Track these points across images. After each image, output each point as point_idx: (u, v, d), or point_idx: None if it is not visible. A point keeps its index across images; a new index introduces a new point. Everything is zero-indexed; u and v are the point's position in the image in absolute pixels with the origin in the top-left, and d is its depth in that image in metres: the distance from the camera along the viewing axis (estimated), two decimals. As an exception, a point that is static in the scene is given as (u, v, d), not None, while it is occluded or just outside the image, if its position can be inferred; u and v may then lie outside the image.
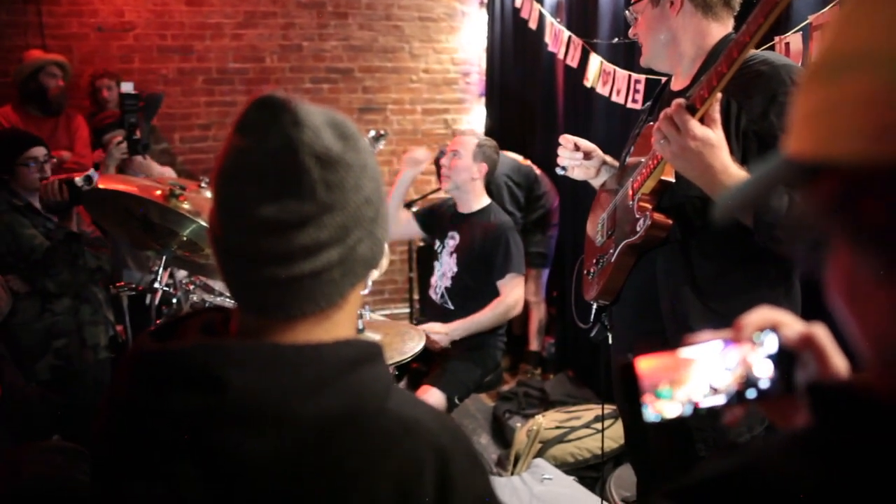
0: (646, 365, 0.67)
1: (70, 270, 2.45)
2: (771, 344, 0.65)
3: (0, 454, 1.36)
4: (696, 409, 0.66)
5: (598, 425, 2.81)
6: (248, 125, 0.70)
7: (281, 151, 0.68)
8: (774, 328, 0.66)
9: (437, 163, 3.78)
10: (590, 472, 2.74)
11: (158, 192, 2.23)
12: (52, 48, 4.11)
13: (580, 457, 2.81)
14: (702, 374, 0.66)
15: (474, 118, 5.02)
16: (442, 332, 2.61)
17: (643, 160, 1.49)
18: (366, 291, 0.90)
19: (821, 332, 0.64)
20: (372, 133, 3.59)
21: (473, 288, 2.73)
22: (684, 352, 0.67)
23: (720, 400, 0.66)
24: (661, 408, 0.66)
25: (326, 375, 0.69)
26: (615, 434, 2.78)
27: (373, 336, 2.35)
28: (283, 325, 0.72)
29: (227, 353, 0.68)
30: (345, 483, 0.68)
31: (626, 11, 1.63)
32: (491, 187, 3.23)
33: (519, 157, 3.78)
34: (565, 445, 2.84)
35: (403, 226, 2.95)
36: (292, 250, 0.68)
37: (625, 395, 0.67)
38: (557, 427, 2.92)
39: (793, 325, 0.66)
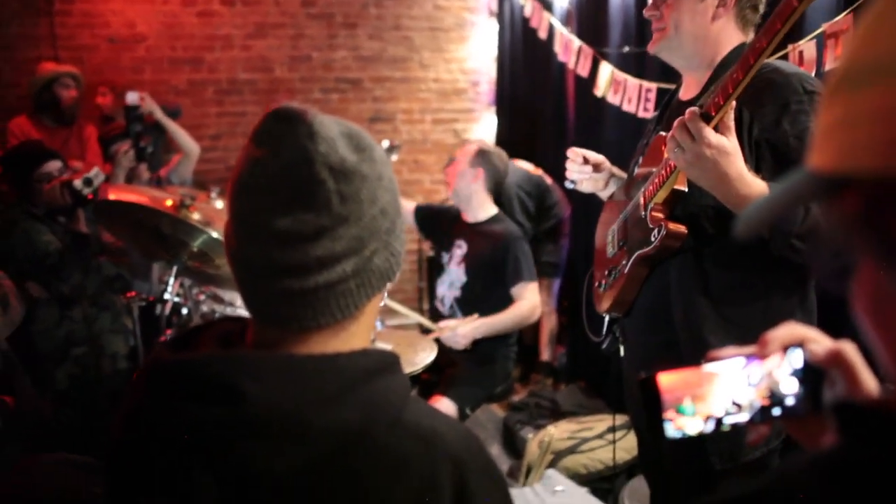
0: (667, 380, 0.65)
1: (81, 273, 2.47)
2: (797, 360, 0.63)
3: (14, 466, 1.35)
4: (719, 426, 0.64)
5: (611, 436, 2.79)
6: (264, 136, 0.70)
7: (296, 163, 0.68)
8: (801, 344, 0.64)
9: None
10: (603, 484, 2.71)
11: (169, 203, 2.24)
12: (65, 60, 4.15)
13: (593, 468, 2.79)
14: (725, 390, 0.64)
15: (484, 127, 5.02)
16: (468, 331, 2.61)
17: (654, 170, 1.48)
18: (382, 304, 0.90)
19: (849, 349, 0.62)
20: (386, 144, 3.59)
21: (484, 297, 2.73)
22: (707, 367, 0.65)
23: (743, 417, 0.64)
24: (683, 424, 0.64)
25: (342, 386, 0.69)
26: (629, 445, 2.75)
27: (384, 347, 2.35)
28: (298, 337, 0.72)
29: (243, 364, 0.68)
30: (362, 494, 0.67)
31: None
32: (502, 199, 3.22)
33: (530, 167, 3.77)
34: (577, 456, 2.82)
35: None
36: (307, 262, 0.68)
37: (646, 410, 0.66)
38: (569, 438, 2.90)
39: (820, 341, 0.64)
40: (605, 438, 2.83)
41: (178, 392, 0.69)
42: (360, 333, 0.76)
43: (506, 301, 2.72)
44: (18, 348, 2.46)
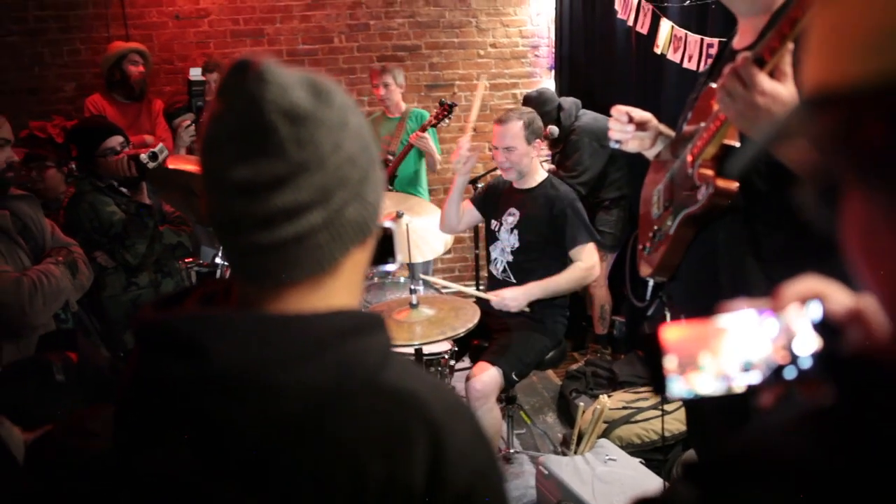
0: (674, 335, 0.60)
1: (144, 242, 2.59)
2: (815, 315, 0.57)
3: (71, 416, 1.44)
4: (732, 386, 0.59)
5: (667, 407, 2.72)
6: (221, 91, 0.69)
7: (247, 110, 0.66)
8: (819, 299, 0.58)
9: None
10: (656, 455, 2.66)
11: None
12: (135, 38, 4.32)
13: (647, 438, 2.73)
14: (737, 346, 0.58)
15: (544, 92, 4.90)
16: (518, 294, 2.63)
17: (703, 125, 1.39)
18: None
19: (871, 306, 0.55)
20: (442, 102, 3.56)
21: (535, 261, 2.71)
22: (717, 321, 0.59)
23: (756, 377, 0.59)
24: (694, 382, 0.60)
25: (313, 345, 0.67)
26: (683, 416, 2.67)
27: (427, 311, 2.35)
28: (274, 294, 0.71)
29: (210, 324, 0.68)
30: (331, 453, 0.66)
31: None
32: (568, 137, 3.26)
33: None
34: (631, 426, 2.76)
35: (466, 218, 2.98)
36: (271, 213, 0.66)
37: (649, 367, 0.61)
38: (624, 407, 2.85)
39: (839, 297, 0.58)
40: (660, 409, 2.76)
41: (156, 350, 0.70)
42: (341, 291, 0.73)
43: (559, 264, 2.70)
44: (93, 314, 2.62)
